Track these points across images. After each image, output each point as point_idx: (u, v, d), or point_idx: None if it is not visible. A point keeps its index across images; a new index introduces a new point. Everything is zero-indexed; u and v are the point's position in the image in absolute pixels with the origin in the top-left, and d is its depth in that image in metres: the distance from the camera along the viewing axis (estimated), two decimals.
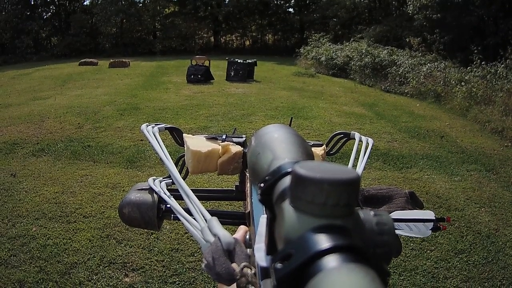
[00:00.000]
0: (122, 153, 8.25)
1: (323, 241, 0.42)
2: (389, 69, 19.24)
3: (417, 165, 8.01)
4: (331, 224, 0.45)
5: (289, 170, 0.57)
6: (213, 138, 1.48)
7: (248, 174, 1.22)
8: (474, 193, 6.80)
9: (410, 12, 22.98)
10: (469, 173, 7.73)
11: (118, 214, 1.33)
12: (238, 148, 1.34)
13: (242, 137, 1.48)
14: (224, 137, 1.48)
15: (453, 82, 15.03)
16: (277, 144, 0.70)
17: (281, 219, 0.50)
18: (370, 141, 1.52)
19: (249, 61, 19.97)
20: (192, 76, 18.36)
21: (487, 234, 5.40)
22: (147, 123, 1.40)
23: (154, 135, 1.37)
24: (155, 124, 1.43)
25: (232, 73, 19.39)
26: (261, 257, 0.57)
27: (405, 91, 17.14)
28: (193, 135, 1.51)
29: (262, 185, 0.61)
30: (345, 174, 0.45)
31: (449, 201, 6.39)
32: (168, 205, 1.30)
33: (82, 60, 28.67)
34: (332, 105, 13.72)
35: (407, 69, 18.09)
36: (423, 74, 16.90)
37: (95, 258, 4.60)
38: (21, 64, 31.58)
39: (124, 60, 27.17)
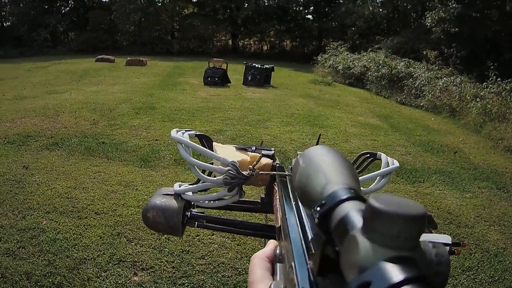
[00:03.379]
0: (136, 152, 8.30)
1: (399, 272, 0.45)
2: (405, 81, 19.31)
3: (430, 179, 8.00)
4: (403, 255, 0.48)
5: (345, 197, 0.60)
6: (242, 149, 1.49)
7: (276, 188, 1.23)
8: (484, 210, 6.79)
9: (428, 24, 22.96)
10: (480, 190, 7.72)
11: (141, 217, 1.35)
12: (268, 161, 1.35)
13: (271, 150, 1.50)
14: (253, 148, 1.49)
15: (468, 97, 15.07)
16: (329, 168, 0.72)
17: (351, 247, 0.52)
18: (396, 163, 1.54)
19: (267, 66, 20.06)
20: (209, 79, 18.44)
21: (495, 253, 5.38)
22: (177, 129, 1.41)
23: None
24: (185, 130, 1.44)
25: (249, 78, 19.52)
26: (304, 276, 0.63)
27: (421, 104, 17.17)
28: (223, 144, 1.52)
29: (318, 209, 0.63)
30: (416, 209, 0.49)
31: (459, 218, 6.38)
32: (193, 212, 1.32)
33: (99, 57, 28.87)
34: (347, 115, 13.74)
35: (424, 82, 18.13)
36: (439, 88, 16.92)
37: (104, 255, 4.62)
38: (37, 57, 31.75)
39: (141, 58, 27.30)
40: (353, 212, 0.56)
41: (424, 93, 17.49)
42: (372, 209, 0.49)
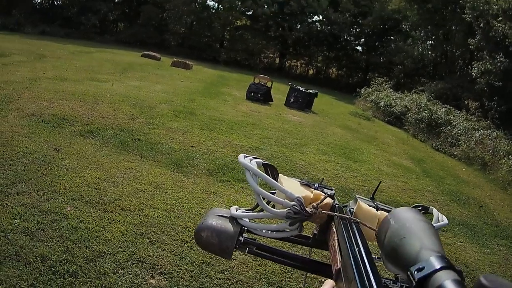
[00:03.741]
0: (170, 155, 8.35)
1: None
2: (443, 127, 19.30)
3: (453, 230, 7.98)
4: None
5: (441, 266, 0.67)
6: (306, 185, 1.50)
7: (334, 229, 1.26)
8: (500, 268, 6.78)
9: (474, 74, 22.83)
10: (498, 248, 7.71)
11: (194, 235, 1.37)
12: (329, 200, 1.37)
13: (332, 189, 1.51)
14: (316, 186, 1.50)
15: (502, 153, 15.07)
16: (422, 234, 0.79)
17: None
18: (445, 220, 1.55)
19: (311, 91, 20.25)
20: (252, 94, 18.59)
21: None
22: (245, 154, 1.43)
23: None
24: (253, 157, 1.46)
25: (292, 100, 19.66)
26: None
27: (454, 153, 17.15)
28: (288, 176, 1.53)
29: (416, 272, 0.69)
30: None
31: (475, 272, 6.35)
32: (246, 238, 1.34)
33: (145, 52, 29.20)
34: (382, 153, 13.77)
35: (460, 132, 18.13)
36: (474, 139, 16.92)
37: (124, 253, 4.66)
38: (83, 41, 32.24)
39: (187, 61, 27.51)
40: (449, 282, 0.63)
41: (459, 143, 17.54)
42: (482, 287, 0.55)
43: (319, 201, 1.31)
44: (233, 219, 1.36)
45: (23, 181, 5.88)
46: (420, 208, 1.64)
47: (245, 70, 36.28)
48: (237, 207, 1.41)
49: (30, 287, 3.84)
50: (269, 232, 1.36)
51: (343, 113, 22.61)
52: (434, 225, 1.45)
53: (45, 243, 4.51)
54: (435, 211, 1.58)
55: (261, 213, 1.35)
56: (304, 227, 1.32)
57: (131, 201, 5.96)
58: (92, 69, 17.49)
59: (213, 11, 46.44)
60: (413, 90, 27.13)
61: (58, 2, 43.45)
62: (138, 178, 6.85)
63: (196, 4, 44.34)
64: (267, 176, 1.37)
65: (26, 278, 3.93)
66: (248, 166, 1.33)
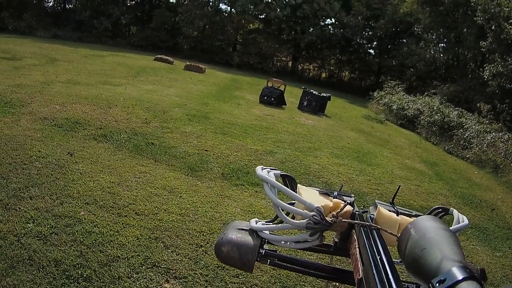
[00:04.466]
0: (185, 159, 8.35)
1: None
2: (455, 130, 19.33)
3: (465, 233, 7.91)
4: None
5: (463, 277, 0.67)
6: (325, 194, 1.49)
7: (355, 237, 1.24)
8: (511, 271, 6.73)
9: (486, 77, 22.82)
10: (511, 251, 7.66)
11: (214, 250, 1.35)
12: (349, 208, 1.35)
13: (351, 197, 1.50)
14: (335, 194, 1.49)
15: None
16: (443, 244, 0.78)
17: None
18: (466, 220, 1.53)
19: (324, 94, 20.30)
20: (265, 97, 18.63)
21: None
22: (262, 166, 1.41)
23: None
24: (271, 169, 1.44)
25: (305, 103, 19.73)
26: None
27: (467, 156, 17.13)
28: (306, 186, 1.52)
29: (438, 285, 0.69)
30: None
31: (487, 275, 6.33)
32: (267, 250, 1.33)
33: (158, 56, 29.34)
34: (395, 156, 13.74)
35: (473, 135, 18.11)
36: (486, 142, 16.86)
37: (139, 257, 4.64)
38: (95, 45, 32.40)
39: (200, 65, 27.58)
40: None
41: (471, 145, 17.52)
42: None
43: (339, 210, 1.30)
44: (253, 232, 1.36)
45: (36, 185, 5.88)
46: (440, 210, 1.63)
47: (258, 74, 36.41)
48: (257, 219, 1.41)
49: None
50: (290, 243, 1.35)
51: (356, 116, 22.65)
52: (454, 227, 1.45)
53: (59, 248, 4.49)
54: (455, 212, 1.59)
55: (281, 225, 1.35)
56: (325, 235, 1.30)
57: (145, 205, 5.95)
58: (105, 72, 17.56)
59: (226, 14, 46.77)
60: (426, 93, 27.10)
61: (70, 5, 43.73)
62: (152, 182, 6.84)
63: (209, 8, 44.56)
64: (286, 188, 1.37)
65: (40, 283, 3.91)
66: (266, 178, 1.33)
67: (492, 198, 11.28)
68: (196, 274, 4.57)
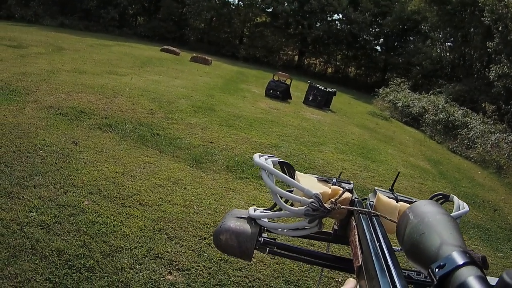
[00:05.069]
0: (190, 150, 8.33)
1: None
2: (460, 130, 19.39)
3: (467, 233, 7.98)
4: None
5: (463, 262, 0.65)
6: (324, 180, 1.47)
7: (355, 223, 1.22)
8: None
9: (491, 77, 22.86)
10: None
11: (213, 239, 1.33)
12: (348, 194, 1.32)
13: (350, 183, 1.48)
14: (334, 181, 1.48)
15: None
16: (442, 228, 0.77)
17: None
18: (466, 207, 1.50)
19: (330, 89, 20.36)
20: (271, 91, 18.62)
21: None
22: (259, 154, 1.38)
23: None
24: (268, 156, 1.41)
25: (311, 98, 19.75)
26: None
27: (471, 155, 17.18)
28: (305, 173, 1.49)
29: (437, 270, 0.67)
30: None
31: (488, 276, 6.34)
32: (266, 238, 1.30)
33: (165, 47, 29.32)
34: (399, 153, 13.77)
35: (477, 134, 18.17)
36: (490, 142, 16.89)
37: (142, 248, 4.63)
38: (101, 34, 32.42)
39: (206, 57, 27.53)
40: (472, 279, 0.61)
41: (475, 145, 17.58)
42: (506, 284, 0.55)
43: (337, 196, 1.28)
44: (251, 220, 1.34)
45: (40, 173, 5.87)
46: (441, 196, 1.61)
47: (264, 67, 36.46)
48: (255, 207, 1.38)
49: (45, 281, 3.81)
50: (289, 230, 1.33)
51: (361, 113, 22.67)
52: (455, 213, 1.43)
53: (62, 237, 4.48)
54: (455, 198, 1.56)
55: (279, 212, 1.32)
56: (325, 223, 1.28)
57: (150, 196, 5.93)
58: (111, 62, 17.53)
59: (233, 7, 46.68)
60: (431, 92, 27.19)
61: None
62: (156, 173, 6.82)
63: (216, 0, 44.46)
64: (284, 175, 1.35)
65: (42, 272, 3.90)
66: (264, 165, 1.30)
67: (494, 199, 11.30)
68: (199, 266, 4.56)
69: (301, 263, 4.77)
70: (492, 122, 19.71)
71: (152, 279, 4.17)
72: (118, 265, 4.25)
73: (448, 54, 36.15)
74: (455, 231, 0.76)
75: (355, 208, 1.25)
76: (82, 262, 4.15)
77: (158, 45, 30.52)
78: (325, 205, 1.23)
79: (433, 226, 0.77)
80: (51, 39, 21.64)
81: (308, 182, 1.38)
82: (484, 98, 24.06)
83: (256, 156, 1.36)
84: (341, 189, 1.36)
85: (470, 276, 0.61)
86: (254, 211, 1.34)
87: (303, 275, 4.90)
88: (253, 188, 7.19)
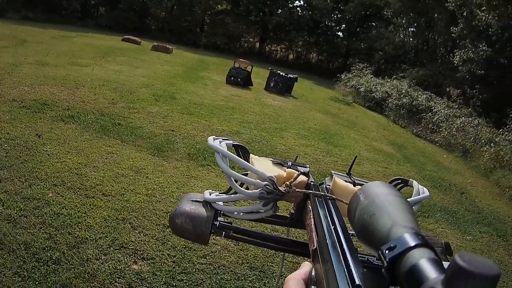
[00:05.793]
0: (151, 139, 8.29)
1: None
2: (424, 114, 19.64)
3: (434, 216, 8.07)
4: None
5: (415, 243, 0.62)
6: (279, 164, 1.48)
7: (310, 207, 1.23)
8: (482, 255, 6.81)
9: (456, 62, 23.09)
10: (481, 235, 7.81)
11: (168, 222, 1.34)
12: (303, 178, 1.34)
13: (306, 167, 1.47)
14: (289, 164, 1.47)
15: (483, 140, 15.27)
16: (393, 210, 0.74)
17: None
18: (426, 192, 1.53)
19: (291, 76, 20.40)
20: (232, 78, 18.62)
21: None
22: (214, 136, 1.39)
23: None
24: (223, 139, 1.42)
25: (272, 84, 19.73)
26: None
27: (435, 139, 17.42)
28: (259, 156, 1.50)
29: (387, 252, 0.65)
30: (495, 270, 0.51)
31: (452, 250, 6.44)
32: (221, 222, 1.31)
33: (126, 37, 29.10)
34: (363, 138, 13.89)
35: (442, 119, 18.42)
36: (456, 126, 17.16)
37: (107, 238, 4.62)
38: (64, 26, 31.84)
39: (167, 46, 27.41)
40: (424, 261, 0.58)
41: (440, 129, 17.78)
42: (458, 267, 0.51)
43: (292, 179, 1.29)
44: (206, 204, 1.33)
45: (5, 167, 5.80)
46: (400, 181, 1.63)
47: (225, 54, 36.35)
48: (211, 191, 1.38)
49: (14, 275, 3.79)
50: (244, 214, 1.34)
51: (323, 98, 22.77)
52: (414, 198, 1.46)
53: (28, 230, 4.45)
54: (415, 183, 1.58)
55: (234, 195, 1.33)
56: (282, 207, 1.30)
57: (112, 186, 5.91)
58: (73, 53, 17.28)
59: None
60: (394, 76, 27.48)
61: None
62: (119, 163, 6.79)
63: None
64: (237, 157, 1.35)
65: (10, 267, 3.88)
66: (218, 148, 1.31)
67: (461, 182, 11.46)
68: (163, 255, 4.57)
69: (266, 249, 4.81)
70: (457, 106, 19.95)
71: (118, 269, 4.17)
72: (84, 256, 4.24)
73: (411, 39, 36.44)
74: (407, 213, 0.73)
75: (311, 191, 1.26)
76: (48, 255, 4.14)
77: (120, 35, 30.18)
78: (279, 188, 1.24)
79: (384, 207, 0.75)
80: (14, 32, 21.26)
81: (263, 165, 1.39)
82: (448, 83, 24.29)
83: (210, 139, 1.37)
84: (297, 172, 1.36)
85: (422, 258, 0.59)
86: (210, 195, 1.34)
87: (267, 261, 4.94)
88: (215, 175, 7.19)
